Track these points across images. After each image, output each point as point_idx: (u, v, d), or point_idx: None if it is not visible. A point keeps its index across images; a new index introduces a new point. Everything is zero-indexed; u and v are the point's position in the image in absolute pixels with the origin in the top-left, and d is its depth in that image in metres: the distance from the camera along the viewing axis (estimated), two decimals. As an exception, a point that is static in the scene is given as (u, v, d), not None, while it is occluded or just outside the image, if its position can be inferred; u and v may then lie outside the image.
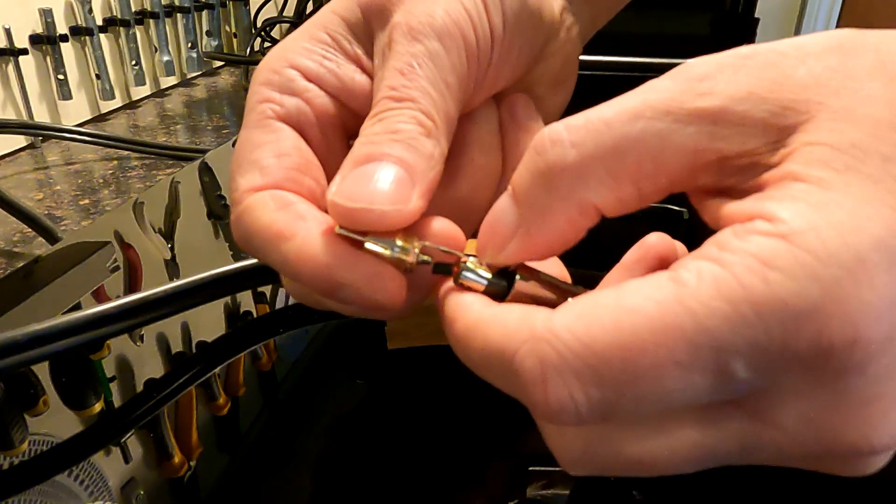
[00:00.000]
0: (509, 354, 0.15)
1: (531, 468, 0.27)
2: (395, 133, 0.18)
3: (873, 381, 0.14)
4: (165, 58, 0.93)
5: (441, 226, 0.19)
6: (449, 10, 0.20)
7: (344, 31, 0.21)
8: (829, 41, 0.16)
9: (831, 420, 0.14)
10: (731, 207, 0.15)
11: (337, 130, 0.21)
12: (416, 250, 0.18)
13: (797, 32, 1.93)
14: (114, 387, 0.32)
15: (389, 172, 0.18)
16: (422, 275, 0.18)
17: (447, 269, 0.18)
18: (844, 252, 0.13)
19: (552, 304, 0.16)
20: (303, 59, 0.21)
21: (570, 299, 0.16)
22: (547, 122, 0.26)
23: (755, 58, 0.16)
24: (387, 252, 0.18)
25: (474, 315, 0.16)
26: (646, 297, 0.14)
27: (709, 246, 0.15)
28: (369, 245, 0.18)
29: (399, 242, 0.18)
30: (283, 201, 0.19)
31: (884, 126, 0.14)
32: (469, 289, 0.18)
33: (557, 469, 0.27)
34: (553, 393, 0.14)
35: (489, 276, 0.17)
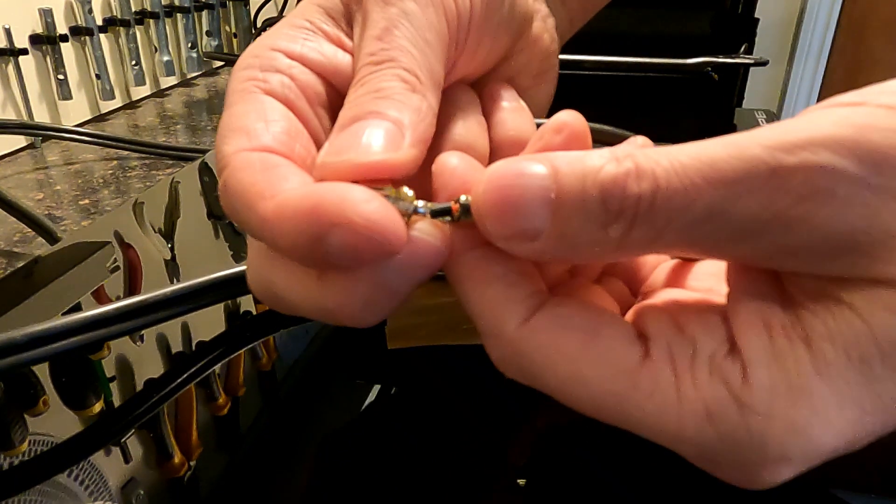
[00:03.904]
0: (481, 331, 0.17)
1: (524, 479, 0.27)
2: (379, 91, 0.18)
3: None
4: (165, 58, 0.92)
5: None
6: None
7: (324, 17, 0.21)
8: None
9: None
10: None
11: (324, 108, 0.21)
12: (413, 202, 0.17)
13: (797, 33, 1.93)
14: (114, 387, 0.32)
15: (377, 126, 0.17)
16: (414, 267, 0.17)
17: (446, 210, 0.17)
18: (775, 449, 0.14)
19: None
20: (284, 42, 0.20)
21: (548, 309, 0.16)
22: (534, 115, 0.26)
23: (892, 176, 0.13)
24: None
25: (465, 273, 0.17)
26: (601, 380, 0.15)
27: (687, 348, 0.15)
28: None
29: (393, 196, 0.16)
30: (268, 163, 0.17)
31: None
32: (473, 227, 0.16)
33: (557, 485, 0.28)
34: (503, 371, 0.17)
35: None
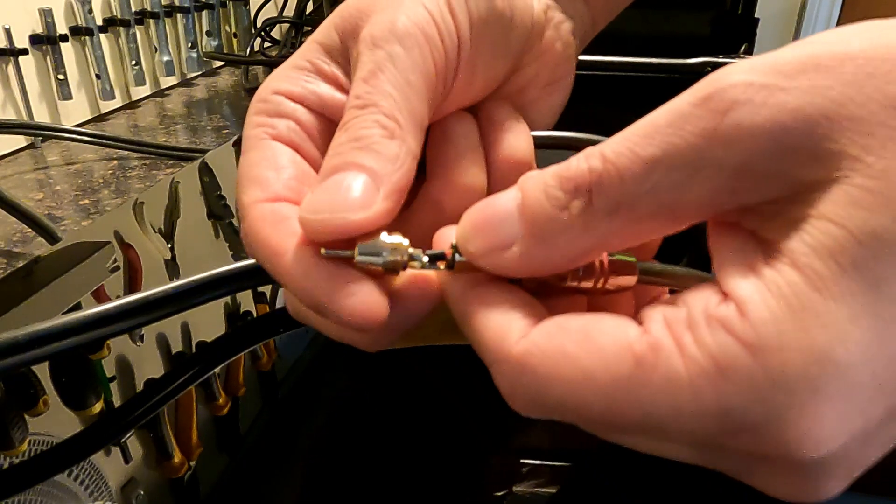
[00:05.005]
0: (488, 362, 0.17)
1: (523, 461, 0.27)
2: (358, 140, 0.19)
3: (807, 471, 0.14)
4: (165, 58, 0.92)
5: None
6: (410, 14, 0.21)
7: (322, 55, 0.23)
8: None
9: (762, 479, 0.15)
10: (734, 242, 0.15)
11: (328, 145, 0.22)
12: (407, 251, 0.18)
13: (797, 33, 1.93)
14: (114, 387, 0.32)
15: (353, 180, 0.18)
16: (417, 297, 0.19)
17: (441, 255, 0.18)
18: (801, 382, 0.13)
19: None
20: (285, 85, 0.22)
21: (545, 321, 0.16)
22: (543, 125, 0.26)
23: (802, 77, 0.14)
24: (378, 261, 0.18)
25: (467, 309, 0.17)
26: (605, 368, 0.15)
27: (681, 311, 0.15)
28: (358, 259, 0.18)
29: (388, 248, 0.18)
30: (279, 216, 0.19)
31: None
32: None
33: (548, 464, 0.28)
34: (518, 403, 0.16)
35: None
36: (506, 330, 0.16)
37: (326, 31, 0.23)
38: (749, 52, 0.80)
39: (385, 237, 0.18)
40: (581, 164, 0.16)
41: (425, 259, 0.18)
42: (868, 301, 0.13)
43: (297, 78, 0.22)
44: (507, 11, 0.23)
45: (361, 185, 0.18)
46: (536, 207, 0.16)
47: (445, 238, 0.19)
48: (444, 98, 0.22)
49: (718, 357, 0.14)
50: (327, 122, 0.22)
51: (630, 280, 0.18)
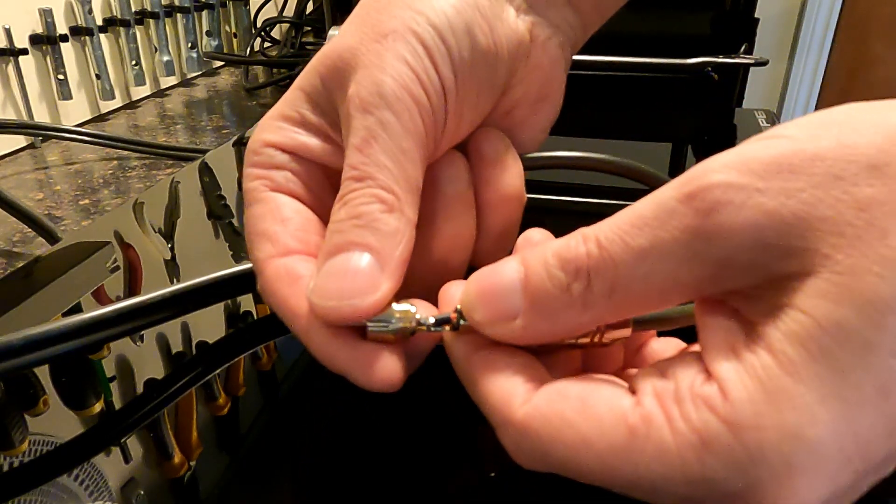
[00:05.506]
0: (493, 424, 0.18)
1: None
2: (358, 217, 0.19)
3: None
4: (165, 58, 0.92)
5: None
6: (395, 74, 0.20)
7: (307, 104, 0.23)
8: (880, 155, 0.14)
9: None
10: (720, 322, 0.16)
11: (326, 189, 0.23)
12: (415, 318, 0.19)
13: (797, 33, 1.93)
14: (114, 387, 0.32)
15: (357, 262, 0.19)
16: (422, 339, 0.20)
17: (446, 319, 0.19)
18: (776, 457, 0.14)
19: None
20: (275, 137, 0.23)
21: (546, 387, 0.17)
22: (533, 141, 0.26)
23: (777, 178, 0.15)
24: (388, 328, 0.19)
25: (473, 373, 0.18)
26: (601, 436, 0.16)
27: (669, 385, 0.16)
28: (371, 329, 0.19)
29: (397, 315, 0.19)
30: (294, 275, 0.20)
31: (881, 305, 0.14)
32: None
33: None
34: (522, 461, 0.17)
35: None
36: (510, 394, 0.17)
37: (310, 78, 0.23)
38: (749, 51, 0.80)
39: (394, 306, 0.19)
40: (580, 247, 0.17)
41: (432, 324, 0.19)
42: (834, 385, 0.14)
43: (286, 130, 0.23)
44: (491, 48, 0.22)
45: (367, 269, 0.19)
46: (539, 285, 0.17)
47: (451, 294, 0.20)
48: (434, 150, 0.22)
49: (702, 432, 0.15)
50: (318, 168, 0.23)
51: (625, 332, 0.19)
